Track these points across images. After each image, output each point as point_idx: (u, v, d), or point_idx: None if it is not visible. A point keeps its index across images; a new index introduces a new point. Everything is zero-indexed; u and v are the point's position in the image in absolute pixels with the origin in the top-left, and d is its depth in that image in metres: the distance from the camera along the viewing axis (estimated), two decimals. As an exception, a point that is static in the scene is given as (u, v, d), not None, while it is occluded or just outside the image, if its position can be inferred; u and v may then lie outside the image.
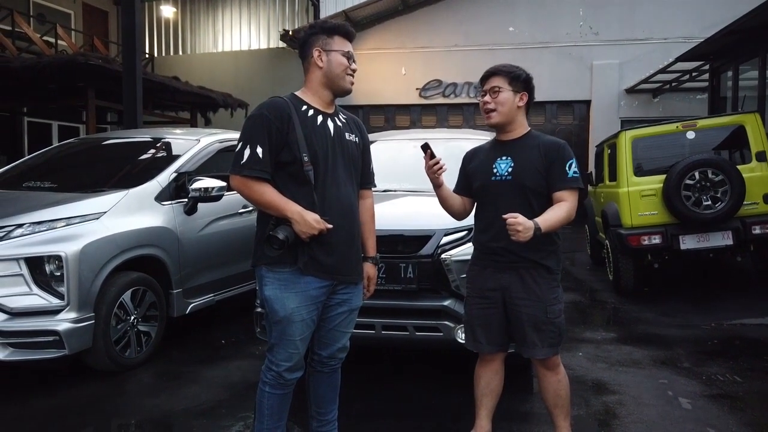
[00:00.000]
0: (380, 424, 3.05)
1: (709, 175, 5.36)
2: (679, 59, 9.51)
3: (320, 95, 2.32)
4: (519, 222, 2.22)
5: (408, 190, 4.05)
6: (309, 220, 2.14)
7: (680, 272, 7.20)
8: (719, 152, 5.89)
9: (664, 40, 12.21)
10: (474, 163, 2.62)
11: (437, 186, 2.52)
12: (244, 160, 2.16)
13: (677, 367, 3.90)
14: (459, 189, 2.66)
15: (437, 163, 2.41)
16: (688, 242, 5.56)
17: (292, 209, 2.15)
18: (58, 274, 3.45)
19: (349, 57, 2.31)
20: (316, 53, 2.29)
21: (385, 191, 3.90)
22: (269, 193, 2.18)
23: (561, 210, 2.39)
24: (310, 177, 2.19)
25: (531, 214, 2.39)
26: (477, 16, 13.20)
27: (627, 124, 10.92)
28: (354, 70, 2.33)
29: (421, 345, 3.47)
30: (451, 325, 3.19)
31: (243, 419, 3.09)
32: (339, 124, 2.35)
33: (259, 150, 2.16)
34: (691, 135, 5.77)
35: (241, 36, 15.55)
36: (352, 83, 2.34)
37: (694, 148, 5.71)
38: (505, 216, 2.26)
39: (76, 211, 3.69)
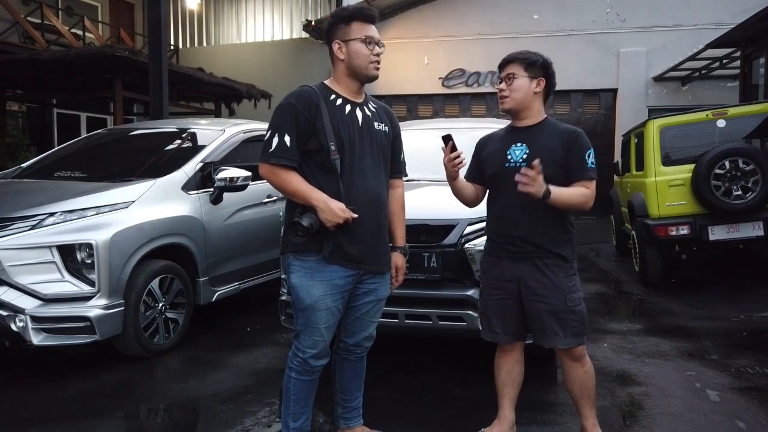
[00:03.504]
0: (404, 411, 3.07)
1: (740, 165, 5.25)
2: (709, 46, 9.28)
3: (347, 85, 2.32)
4: (533, 176, 2.20)
5: (432, 180, 4.04)
6: (334, 209, 2.15)
7: (709, 263, 7.07)
8: (750, 141, 5.76)
9: (694, 27, 11.91)
10: (487, 150, 2.60)
11: (453, 179, 2.50)
12: (273, 148, 2.18)
13: (705, 359, 3.84)
14: (471, 176, 2.63)
15: (458, 156, 2.39)
16: (717, 233, 5.46)
17: (318, 197, 2.16)
18: (89, 261, 3.53)
19: (369, 42, 2.26)
20: (335, 46, 2.28)
21: (408, 180, 3.89)
22: (296, 181, 2.20)
23: (577, 192, 2.36)
24: (336, 166, 2.20)
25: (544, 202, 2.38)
26: (501, 3, 13.03)
27: (655, 112, 10.68)
28: (378, 55, 2.29)
29: (445, 334, 3.48)
30: (475, 314, 3.17)
31: (269, 405, 3.14)
32: (368, 113, 2.35)
33: (287, 138, 2.17)
34: (721, 123, 5.64)
35: (264, 27, 15.60)
36: (377, 68, 2.31)
37: (725, 136, 5.59)
38: (522, 170, 2.23)
39: (106, 200, 3.76)
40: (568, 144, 2.41)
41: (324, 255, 2.23)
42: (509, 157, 2.47)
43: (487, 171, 2.56)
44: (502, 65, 2.52)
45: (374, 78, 2.33)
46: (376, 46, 2.29)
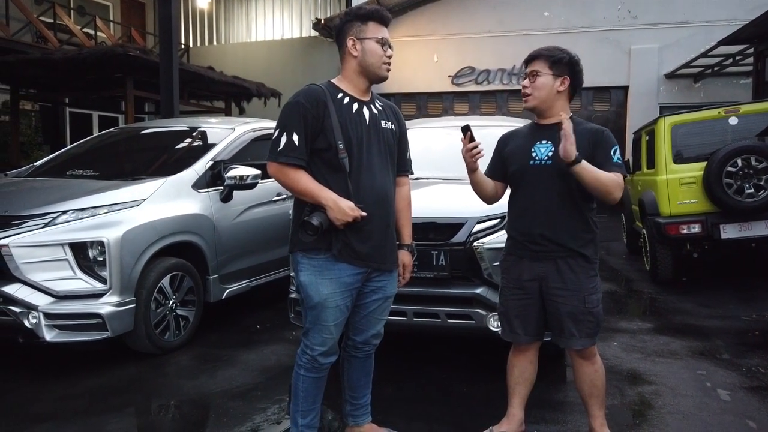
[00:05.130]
0: (411, 409, 3.08)
1: (752, 162, 5.21)
2: (721, 43, 9.19)
3: (356, 83, 2.33)
4: (571, 136, 2.18)
5: (440, 178, 4.03)
6: (343, 207, 2.16)
7: (720, 262, 7.01)
8: (763, 138, 5.70)
9: (706, 23, 11.80)
10: (510, 147, 2.57)
11: (472, 170, 2.48)
12: (281, 147, 2.19)
13: (716, 358, 3.81)
14: (492, 173, 2.60)
15: (476, 146, 2.37)
16: (729, 231, 5.41)
17: (327, 196, 2.17)
18: (101, 259, 3.56)
19: (383, 43, 2.29)
20: (350, 42, 2.29)
21: (417, 179, 3.89)
22: (304, 180, 2.21)
23: (606, 175, 2.29)
24: (344, 164, 2.21)
25: (571, 200, 2.37)
26: (511, 1, 12.99)
27: (666, 110, 10.62)
28: (390, 56, 2.33)
29: (453, 332, 3.47)
30: (483, 312, 3.18)
31: (278, 402, 3.16)
32: (375, 111, 2.36)
33: (295, 137, 2.18)
34: (733, 121, 5.59)
35: (273, 25, 15.65)
36: (389, 70, 2.34)
37: (737, 134, 5.54)
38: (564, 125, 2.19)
39: (117, 198, 3.80)
40: (594, 142, 2.38)
41: (333, 253, 2.24)
42: (534, 154, 2.44)
43: (510, 168, 2.52)
44: (528, 61, 2.48)
45: (384, 78, 2.35)
46: (389, 49, 2.32)
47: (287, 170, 2.21)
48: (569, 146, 2.20)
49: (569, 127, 2.20)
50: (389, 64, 2.33)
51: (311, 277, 2.25)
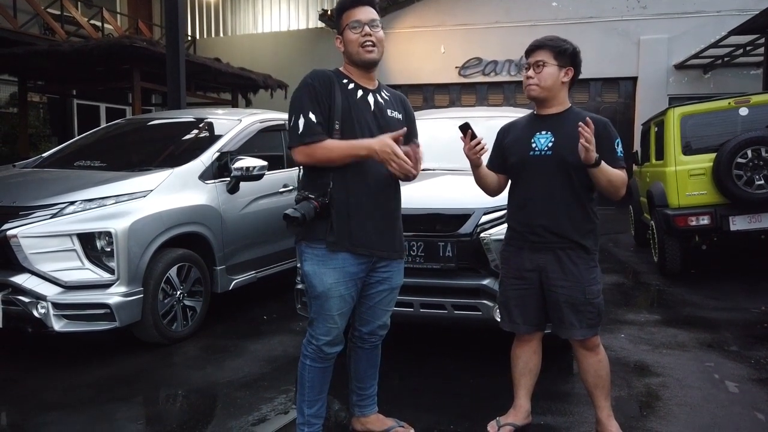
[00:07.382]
0: (418, 399, 3.08)
1: (763, 154, 5.16)
2: (732, 33, 9.09)
3: (355, 73, 2.33)
4: (591, 140, 2.18)
5: (447, 169, 4.02)
6: (385, 141, 2.11)
7: (730, 254, 6.97)
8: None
9: (717, 13, 11.66)
10: (510, 138, 2.56)
11: (476, 166, 2.47)
12: (301, 130, 2.18)
13: (724, 350, 3.80)
14: (493, 165, 2.58)
15: (479, 143, 2.35)
16: (738, 223, 5.37)
17: (364, 144, 2.15)
18: (109, 249, 3.58)
19: (356, 26, 2.23)
20: (337, 41, 2.32)
21: (424, 170, 3.86)
22: (335, 145, 2.18)
23: (616, 174, 2.32)
24: None
25: (571, 190, 2.36)
26: (518, -9, 12.88)
27: (676, 101, 10.51)
28: (368, 35, 2.23)
29: (460, 323, 3.47)
30: (490, 304, 3.17)
31: (285, 392, 3.17)
32: (381, 100, 2.35)
33: (312, 116, 2.18)
34: (743, 111, 5.53)
35: (280, 17, 15.60)
36: (370, 51, 2.25)
37: (747, 125, 5.48)
38: (580, 123, 2.19)
39: (125, 189, 3.81)
40: (596, 134, 2.36)
41: (328, 244, 2.22)
42: (534, 145, 2.44)
43: (510, 159, 2.52)
44: (531, 51, 2.45)
45: (370, 61, 2.27)
46: (366, 27, 2.23)
47: (315, 147, 2.17)
48: (590, 152, 2.20)
49: (588, 133, 2.18)
50: (369, 43, 2.23)
51: (315, 266, 2.25)
